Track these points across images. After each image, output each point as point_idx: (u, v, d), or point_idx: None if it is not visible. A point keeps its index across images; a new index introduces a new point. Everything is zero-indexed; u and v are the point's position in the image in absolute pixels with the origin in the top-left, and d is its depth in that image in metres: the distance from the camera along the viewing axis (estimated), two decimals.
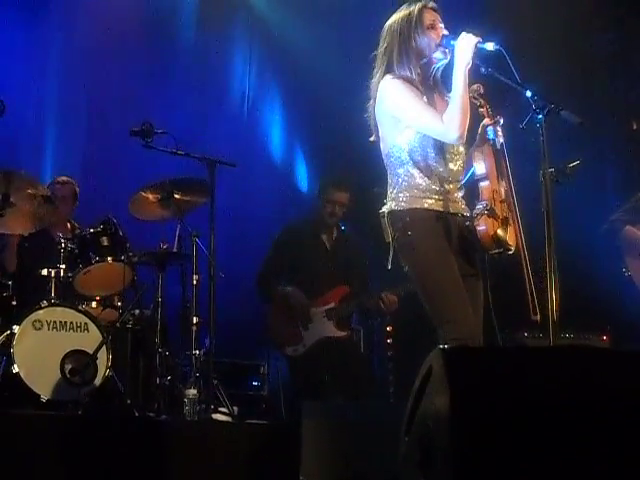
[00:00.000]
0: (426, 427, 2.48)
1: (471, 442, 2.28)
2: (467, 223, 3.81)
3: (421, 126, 3.77)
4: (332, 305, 6.08)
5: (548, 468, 2.26)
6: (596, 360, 2.50)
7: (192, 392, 4.97)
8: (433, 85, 3.91)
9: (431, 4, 3.88)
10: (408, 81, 3.79)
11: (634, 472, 2.29)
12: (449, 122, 3.67)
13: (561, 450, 2.28)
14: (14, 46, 7.16)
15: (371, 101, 3.89)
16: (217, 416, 5.10)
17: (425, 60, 3.83)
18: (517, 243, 3.75)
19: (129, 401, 5.11)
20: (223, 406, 5.19)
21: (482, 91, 3.89)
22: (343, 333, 6.07)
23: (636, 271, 5.58)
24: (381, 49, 3.90)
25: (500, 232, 3.75)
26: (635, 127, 7.14)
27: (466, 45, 3.66)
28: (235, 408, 5.22)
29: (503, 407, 2.31)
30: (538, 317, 3.54)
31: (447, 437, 2.30)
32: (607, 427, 2.32)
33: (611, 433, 2.32)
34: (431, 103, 3.82)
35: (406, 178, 3.78)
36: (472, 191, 3.92)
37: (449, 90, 3.80)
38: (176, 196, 5.56)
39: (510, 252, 3.79)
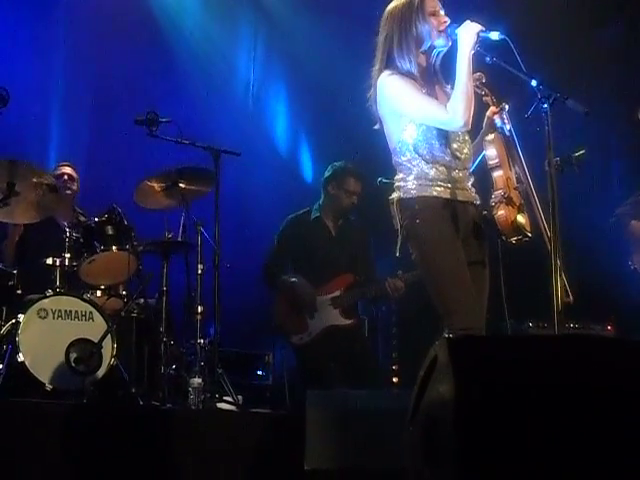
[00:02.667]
0: (431, 416, 2.48)
1: (476, 431, 2.28)
2: (484, 212, 3.82)
3: (425, 117, 3.77)
4: (338, 293, 6.07)
5: (553, 457, 2.26)
6: (601, 349, 2.50)
7: (197, 381, 4.98)
8: (433, 75, 3.90)
9: None
10: (406, 75, 3.78)
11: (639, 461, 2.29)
12: (454, 110, 3.67)
13: (566, 439, 2.28)
14: (19, 35, 7.16)
15: (372, 89, 3.89)
16: (222, 405, 5.11)
17: (426, 47, 3.82)
18: (539, 226, 3.75)
19: (134, 390, 5.11)
20: (228, 395, 5.19)
21: (484, 80, 3.90)
22: (349, 321, 6.07)
23: None
24: (381, 36, 3.88)
25: (520, 218, 3.78)
26: None
27: (469, 33, 3.66)
28: (240, 397, 5.22)
29: (508, 396, 2.31)
30: (571, 299, 3.52)
31: (452, 426, 2.30)
32: (611, 416, 2.32)
33: (615, 421, 2.32)
34: (431, 94, 3.82)
35: (414, 169, 3.79)
36: (482, 179, 3.92)
37: (448, 81, 3.81)
38: (181, 185, 5.56)
39: (527, 239, 3.80)
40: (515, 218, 3.77)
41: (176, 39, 7.64)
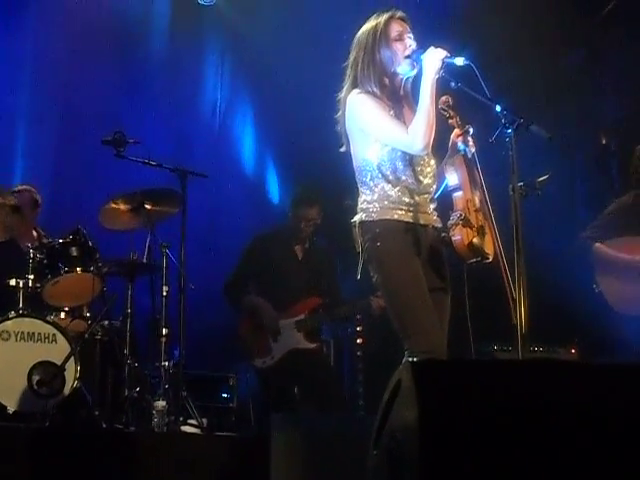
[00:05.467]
0: (395, 440, 2.48)
1: (440, 455, 2.28)
2: (443, 234, 3.82)
3: (387, 138, 3.78)
4: (302, 316, 6.05)
5: None
6: (565, 373, 2.51)
7: (161, 404, 4.95)
8: (402, 97, 3.93)
9: (399, 14, 3.89)
10: (374, 95, 3.81)
11: None
12: (414, 133, 3.69)
13: (529, 464, 2.29)
14: None
15: (340, 112, 3.91)
16: (186, 428, 5.08)
17: (390, 73, 3.85)
18: (495, 251, 3.76)
19: (97, 413, 5.08)
20: (192, 418, 5.16)
21: (451, 103, 3.92)
22: (313, 345, 6.05)
23: (606, 287, 5.62)
24: (349, 60, 3.92)
25: (476, 241, 3.75)
26: (604, 141, 7.21)
27: (433, 59, 3.69)
28: (204, 420, 5.19)
29: (472, 420, 2.32)
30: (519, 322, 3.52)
31: (416, 450, 2.30)
32: (575, 440, 2.34)
33: (579, 446, 2.33)
34: (399, 116, 3.84)
35: (377, 190, 3.80)
36: (447, 203, 3.94)
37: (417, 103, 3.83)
38: (147, 206, 5.54)
39: (488, 260, 3.80)
40: (471, 240, 3.75)
41: (143, 59, 7.64)
